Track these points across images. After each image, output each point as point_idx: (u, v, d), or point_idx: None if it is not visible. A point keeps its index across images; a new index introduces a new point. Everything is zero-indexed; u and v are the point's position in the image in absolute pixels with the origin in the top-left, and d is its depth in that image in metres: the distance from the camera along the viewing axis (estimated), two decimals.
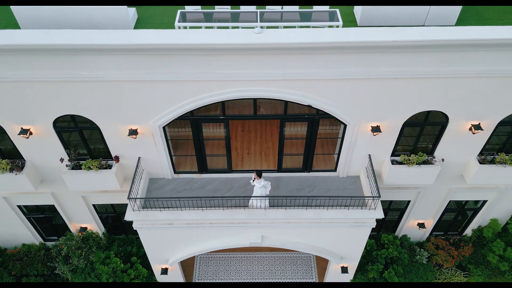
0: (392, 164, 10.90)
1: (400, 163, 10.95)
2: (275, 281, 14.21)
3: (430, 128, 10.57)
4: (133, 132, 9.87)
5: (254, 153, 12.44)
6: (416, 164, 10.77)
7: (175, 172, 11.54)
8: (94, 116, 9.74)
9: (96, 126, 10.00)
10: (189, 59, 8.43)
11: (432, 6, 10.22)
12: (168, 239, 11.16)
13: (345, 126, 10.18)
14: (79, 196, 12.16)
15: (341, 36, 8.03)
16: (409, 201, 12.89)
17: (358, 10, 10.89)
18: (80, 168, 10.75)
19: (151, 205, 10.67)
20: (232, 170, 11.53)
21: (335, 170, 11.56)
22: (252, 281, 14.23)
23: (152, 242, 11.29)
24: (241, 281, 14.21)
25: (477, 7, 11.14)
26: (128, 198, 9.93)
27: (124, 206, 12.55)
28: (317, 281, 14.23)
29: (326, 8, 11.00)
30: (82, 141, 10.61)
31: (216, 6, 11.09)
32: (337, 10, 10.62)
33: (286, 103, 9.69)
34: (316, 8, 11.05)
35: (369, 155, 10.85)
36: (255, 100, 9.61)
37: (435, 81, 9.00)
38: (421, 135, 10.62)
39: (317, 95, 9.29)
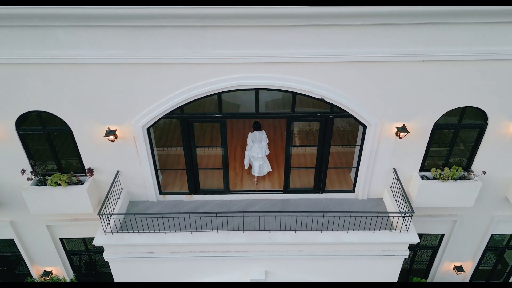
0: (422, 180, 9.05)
1: (433, 179, 9.09)
2: None
3: (465, 135, 8.94)
4: (111, 133, 8.19)
5: None
6: (452, 179, 8.90)
7: (160, 193, 9.59)
8: (64, 113, 8.15)
9: (67, 127, 8.36)
10: (179, 32, 7.10)
11: None
12: (149, 274, 8.84)
13: (365, 129, 8.55)
14: (44, 226, 10.05)
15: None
16: (443, 236, 10.70)
17: None
18: (46, 185, 8.88)
19: (128, 227, 8.60)
20: (230, 191, 9.59)
21: (353, 190, 9.62)
22: None
23: (127, 279, 8.94)
24: None
25: None
26: (99, 214, 7.94)
27: None
28: None
29: None
30: (51, 151, 8.89)
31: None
32: None
33: (294, 97, 8.18)
34: None
35: (394, 169, 9.03)
36: (257, 92, 8.10)
37: (471, 66, 7.57)
38: (455, 142, 8.92)
39: (331, 84, 7.81)
